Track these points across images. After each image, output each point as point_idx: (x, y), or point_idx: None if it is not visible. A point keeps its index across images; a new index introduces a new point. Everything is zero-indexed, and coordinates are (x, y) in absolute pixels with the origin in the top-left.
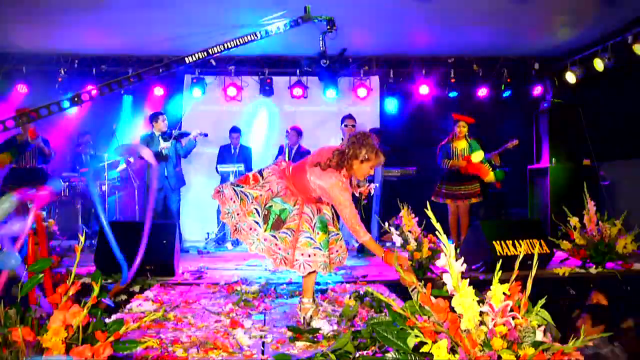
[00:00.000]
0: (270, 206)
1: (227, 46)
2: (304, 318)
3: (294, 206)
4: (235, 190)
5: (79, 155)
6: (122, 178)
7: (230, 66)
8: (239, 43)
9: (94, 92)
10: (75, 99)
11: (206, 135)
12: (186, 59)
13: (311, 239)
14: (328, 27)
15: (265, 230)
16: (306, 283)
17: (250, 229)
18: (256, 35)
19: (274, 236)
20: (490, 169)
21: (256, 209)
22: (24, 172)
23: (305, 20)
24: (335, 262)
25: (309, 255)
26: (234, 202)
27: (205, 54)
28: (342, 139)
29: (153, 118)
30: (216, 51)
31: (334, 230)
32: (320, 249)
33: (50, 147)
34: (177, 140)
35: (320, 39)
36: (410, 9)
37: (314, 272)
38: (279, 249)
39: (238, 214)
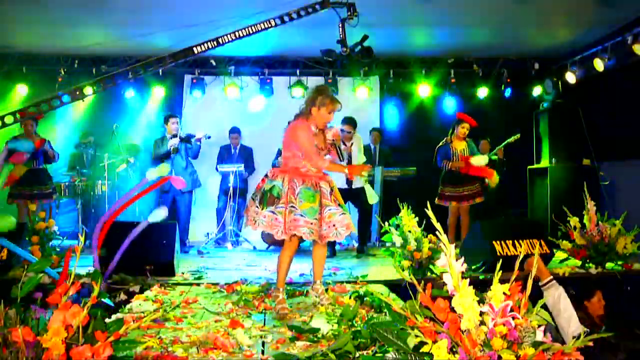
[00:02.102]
0: (263, 188)
1: (239, 34)
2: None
3: (282, 182)
4: (252, 199)
5: (79, 155)
6: (122, 177)
7: (230, 66)
8: (251, 31)
9: (95, 87)
10: (77, 92)
11: (209, 137)
12: (194, 48)
13: (294, 207)
14: (348, 13)
15: (263, 209)
16: (317, 268)
17: (256, 213)
18: (270, 23)
19: (272, 212)
20: (495, 171)
21: (256, 197)
22: (27, 173)
23: (323, 7)
24: (330, 237)
25: (291, 221)
26: (251, 207)
27: (215, 43)
28: (342, 141)
29: (165, 120)
30: (227, 40)
31: (330, 205)
32: (302, 216)
33: (54, 150)
34: (184, 142)
35: (339, 26)
36: (411, 9)
37: (321, 255)
38: (279, 222)
39: (250, 209)
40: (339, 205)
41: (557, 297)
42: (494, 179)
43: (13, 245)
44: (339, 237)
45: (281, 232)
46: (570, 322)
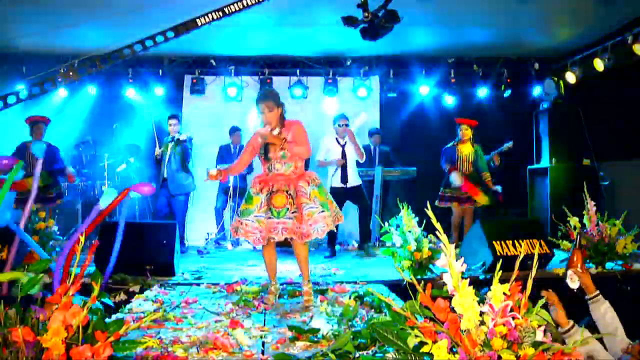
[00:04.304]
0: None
1: (248, 3)
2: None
3: (257, 191)
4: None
5: (79, 156)
6: (122, 177)
7: (230, 66)
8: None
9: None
10: (71, 73)
11: (191, 138)
12: (198, 20)
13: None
14: None
15: (241, 217)
16: (302, 270)
17: (240, 223)
18: None
19: (250, 220)
20: (483, 191)
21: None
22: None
23: None
24: (311, 234)
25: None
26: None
27: (221, 13)
28: (337, 139)
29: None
30: (234, 9)
31: (308, 203)
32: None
33: (61, 158)
34: (178, 144)
35: None
36: (410, 9)
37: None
38: (256, 229)
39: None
40: (319, 204)
41: (603, 311)
42: (479, 198)
43: (24, 233)
44: (320, 234)
45: (257, 240)
46: (617, 334)
